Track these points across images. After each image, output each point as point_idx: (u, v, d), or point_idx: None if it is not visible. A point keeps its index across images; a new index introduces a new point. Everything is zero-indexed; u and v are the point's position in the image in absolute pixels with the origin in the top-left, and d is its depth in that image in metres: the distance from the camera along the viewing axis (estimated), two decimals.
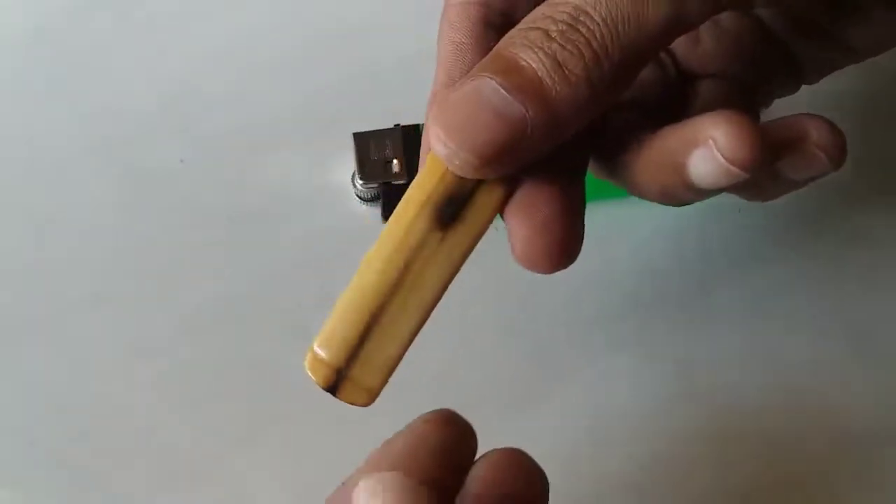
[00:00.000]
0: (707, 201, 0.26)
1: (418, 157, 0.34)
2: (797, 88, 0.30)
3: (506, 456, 0.23)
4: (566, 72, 0.22)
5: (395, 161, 0.34)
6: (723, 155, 0.22)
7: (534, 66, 0.22)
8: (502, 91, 0.22)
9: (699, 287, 0.34)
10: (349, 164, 0.35)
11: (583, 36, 0.22)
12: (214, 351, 0.33)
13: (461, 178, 0.23)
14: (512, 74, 0.22)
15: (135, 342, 0.33)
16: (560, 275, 0.25)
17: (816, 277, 0.35)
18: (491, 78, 0.22)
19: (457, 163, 0.23)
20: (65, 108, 0.37)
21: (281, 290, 0.34)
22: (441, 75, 0.26)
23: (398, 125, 0.35)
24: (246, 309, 0.34)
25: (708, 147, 0.22)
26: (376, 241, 0.24)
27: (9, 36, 0.38)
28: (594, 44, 0.22)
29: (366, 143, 0.35)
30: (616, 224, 0.34)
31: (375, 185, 0.34)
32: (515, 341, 0.33)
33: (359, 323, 0.23)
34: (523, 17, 0.25)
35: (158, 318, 0.33)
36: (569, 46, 0.22)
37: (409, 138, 0.34)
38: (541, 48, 0.22)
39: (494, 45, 0.25)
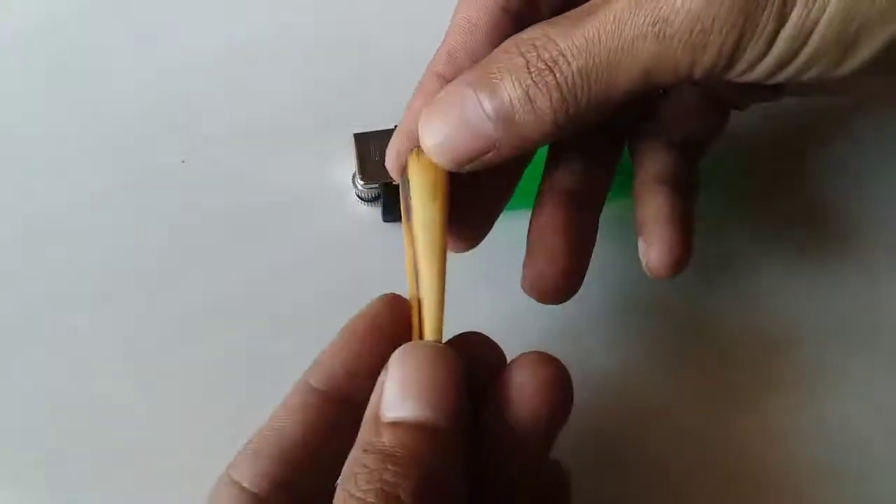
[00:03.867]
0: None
1: None
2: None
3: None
4: (534, 107, 0.24)
5: None
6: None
7: (508, 94, 0.25)
8: (480, 109, 0.25)
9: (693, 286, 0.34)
10: (350, 164, 0.35)
11: (555, 80, 0.24)
12: (214, 351, 0.33)
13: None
14: (491, 95, 0.25)
15: (135, 342, 0.33)
16: None
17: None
18: (474, 92, 0.25)
19: (436, 158, 0.26)
20: (65, 107, 0.37)
21: (281, 290, 0.34)
22: (443, 50, 0.28)
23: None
24: (246, 309, 0.34)
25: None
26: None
27: (9, 36, 0.38)
28: (564, 90, 0.24)
29: (366, 144, 0.35)
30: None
31: (376, 186, 0.34)
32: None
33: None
34: (547, 8, 0.28)
35: (158, 318, 0.33)
36: (540, 85, 0.24)
37: None
38: (518, 80, 0.24)
39: (506, 31, 0.27)
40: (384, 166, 0.34)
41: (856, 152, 0.37)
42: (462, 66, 0.27)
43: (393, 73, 0.37)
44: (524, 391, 0.25)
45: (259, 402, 0.32)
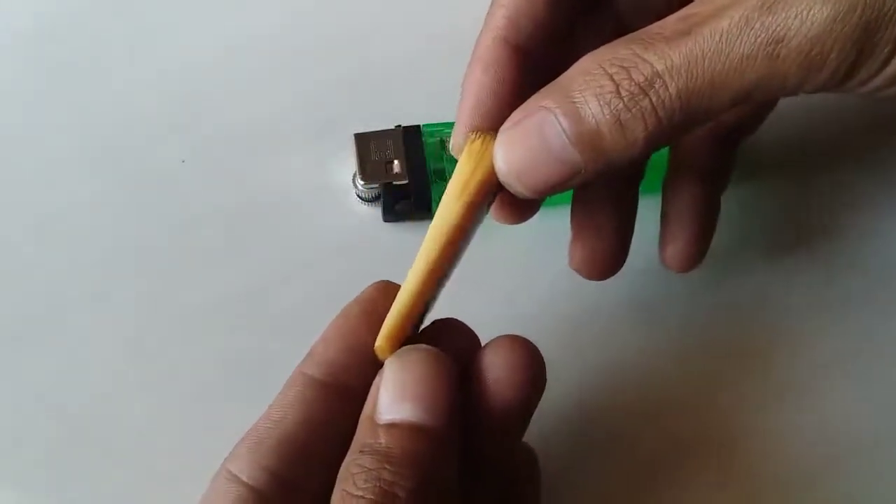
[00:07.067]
0: None
1: (419, 157, 0.34)
2: None
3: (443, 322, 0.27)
4: (626, 132, 0.23)
5: (395, 161, 0.34)
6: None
7: (595, 119, 0.23)
8: (564, 137, 0.23)
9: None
10: (350, 164, 0.35)
11: (651, 104, 0.22)
12: (214, 351, 0.33)
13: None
14: (576, 120, 0.23)
15: (135, 342, 0.33)
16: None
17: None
18: (554, 117, 0.23)
19: (512, 187, 0.25)
20: (65, 108, 0.37)
21: (281, 290, 0.34)
22: (499, 14, 0.27)
23: (399, 126, 0.35)
24: (246, 309, 0.34)
25: None
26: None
27: (9, 36, 0.38)
28: (660, 112, 0.23)
29: (367, 144, 0.35)
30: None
31: (376, 186, 0.34)
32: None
33: None
34: None
35: (158, 318, 0.33)
36: (634, 110, 0.23)
37: (409, 139, 0.35)
38: (607, 104, 0.23)
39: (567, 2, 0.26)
40: (384, 166, 0.35)
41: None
42: (526, 32, 0.26)
43: (393, 73, 0.37)
44: (496, 374, 0.25)
45: (259, 402, 0.32)
